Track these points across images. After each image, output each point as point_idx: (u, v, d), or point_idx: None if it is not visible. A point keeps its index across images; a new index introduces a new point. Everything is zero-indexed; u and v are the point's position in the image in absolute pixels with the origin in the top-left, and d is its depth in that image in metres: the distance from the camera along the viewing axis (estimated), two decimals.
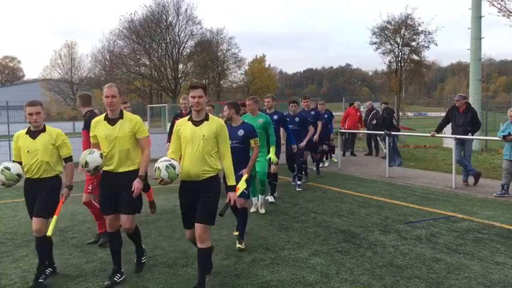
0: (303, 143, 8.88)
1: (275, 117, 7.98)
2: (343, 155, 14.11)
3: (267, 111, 8.14)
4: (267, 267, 4.84)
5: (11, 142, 13.46)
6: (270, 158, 6.93)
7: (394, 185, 9.70)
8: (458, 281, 4.37)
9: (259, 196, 7.37)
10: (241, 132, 5.61)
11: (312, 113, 10.14)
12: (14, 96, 23.56)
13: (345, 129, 14.42)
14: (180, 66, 40.79)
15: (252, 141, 5.64)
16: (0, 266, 5.08)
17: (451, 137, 9.44)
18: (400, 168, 11.27)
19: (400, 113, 26.21)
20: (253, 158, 5.66)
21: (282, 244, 5.64)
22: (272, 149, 6.88)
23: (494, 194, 8.31)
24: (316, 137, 9.88)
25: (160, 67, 40.03)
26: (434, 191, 8.90)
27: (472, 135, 9.46)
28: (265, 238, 5.92)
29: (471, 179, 9.36)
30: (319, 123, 10.12)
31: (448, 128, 10.12)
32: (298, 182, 9.25)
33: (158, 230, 6.40)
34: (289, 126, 8.41)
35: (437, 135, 10.12)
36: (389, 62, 32.63)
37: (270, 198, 8.08)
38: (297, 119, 8.97)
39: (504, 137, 8.24)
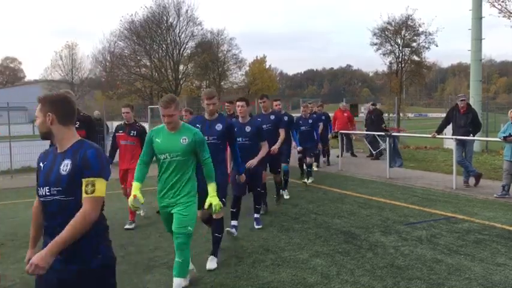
0: (254, 161, 5.91)
1: (218, 127, 5.07)
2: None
3: (206, 116, 5.18)
4: (268, 268, 4.84)
5: (12, 143, 13.50)
6: (211, 204, 4.20)
7: (394, 186, 9.69)
8: (459, 282, 4.37)
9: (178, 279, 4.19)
10: (66, 167, 2.35)
11: (272, 117, 7.58)
12: (15, 98, 23.55)
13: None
14: (181, 67, 40.78)
15: (83, 191, 2.32)
16: (1, 266, 5.08)
17: (452, 138, 9.44)
18: (401, 169, 11.26)
19: (400, 114, 26.22)
20: (65, 234, 2.22)
21: (283, 245, 5.64)
22: (212, 187, 4.19)
23: (495, 195, 8.30)
24: (275, 147, 7.16)
25: (161, 68, 40.02)
26: (435, 192, 8.89)
27: (473, 136, 9.46)
28: (266, 239, 5.92)
29: (472, 180, 9.35)
30: (282, 132, 7.54)
31: (449, 129, 10.11)
32: (256, 215, 6.58)
33: (159, 231, 6.38)
34: (238, 139, 5.65)
35: (438, 136, 10.11)
36: (390, 63, 32.73)
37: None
38: (247, 129, 6.04)
39: (505, 138, 8.23)
